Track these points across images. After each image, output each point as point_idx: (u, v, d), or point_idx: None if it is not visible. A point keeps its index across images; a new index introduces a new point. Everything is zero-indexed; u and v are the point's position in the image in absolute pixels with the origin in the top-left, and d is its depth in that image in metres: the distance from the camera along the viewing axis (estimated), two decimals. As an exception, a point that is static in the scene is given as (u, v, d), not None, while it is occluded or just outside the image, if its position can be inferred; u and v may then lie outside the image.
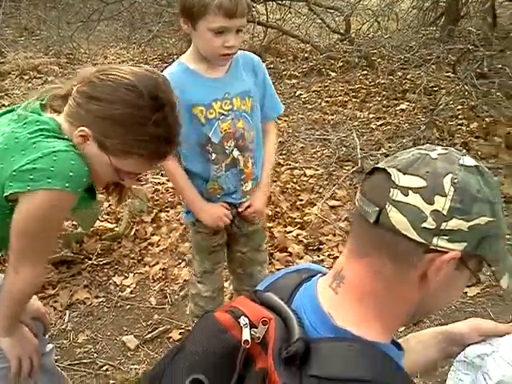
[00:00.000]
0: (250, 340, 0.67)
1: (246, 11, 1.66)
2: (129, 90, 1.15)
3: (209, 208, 1.88)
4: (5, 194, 1.13)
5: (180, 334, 2.43)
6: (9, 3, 7.69)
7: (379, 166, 0.73)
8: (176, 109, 1.22)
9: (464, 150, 0.67)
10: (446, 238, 0.67)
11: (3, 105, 5.24)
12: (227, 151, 1.82)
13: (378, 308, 0.71)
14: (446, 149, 0.73)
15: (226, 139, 1.80)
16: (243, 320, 0.69)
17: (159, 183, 3.72)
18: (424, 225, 0.66)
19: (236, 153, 1.84)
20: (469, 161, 0.71)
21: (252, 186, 1.94)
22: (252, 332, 0.68)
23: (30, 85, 5.84)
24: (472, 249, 0.68)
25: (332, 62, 6.17)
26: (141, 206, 3.38)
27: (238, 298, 0.77)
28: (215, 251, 2.04)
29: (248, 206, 1.93)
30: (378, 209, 0.68)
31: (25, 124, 1.18)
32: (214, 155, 1.81)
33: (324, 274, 0.79)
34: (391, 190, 0.68)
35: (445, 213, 0.66)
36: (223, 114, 1.78)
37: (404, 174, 0.69)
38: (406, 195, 0.67)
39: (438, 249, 0.67)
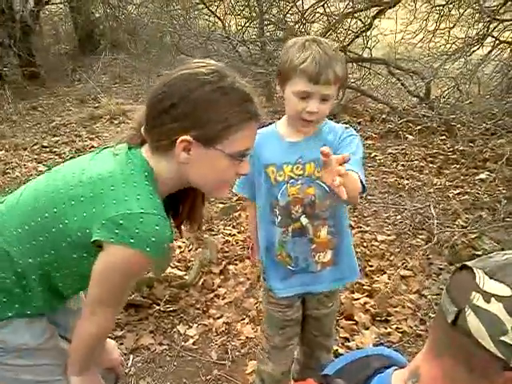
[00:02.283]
0: None
1: (333, 80, 1.62)
2: (192, 79, 1.21)
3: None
4: (92, 239, 1.20)
5: (238, 393, 2.42)
6: (108, 54, 8.32)
7: (468, 263, 0.69)
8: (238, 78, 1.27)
9: None
10: None
11: (92, 146, 5.61)
12: (293, 216, 1.79)
13: None
14: None
15: (293, 204, 1.78)
16: None
17: (230, 235, 3.78)
18: (503, 338, 0.61)
19: (304, 220, 1.79)
20: None
21: (332, 257, 1.84)
22: None
23: (118, 128, 6.22)
24: None
25: (410, 125, 6.12)
26: (211, 257, 3.44)
27: (308, 381, 0.75)
28: (288, 326, 1.95)
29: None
30: (456, 309, 0.65)
31: (121, 168, 1.24)
32: (279, 218, 1.81)
33: (399, 367, 0.76)
34: (473, 292, 0.64)
35: None
36: (293, 178, 1.77)
37: (490, 278, 0.64)
38: (488, 302, 0.63)
39: None
